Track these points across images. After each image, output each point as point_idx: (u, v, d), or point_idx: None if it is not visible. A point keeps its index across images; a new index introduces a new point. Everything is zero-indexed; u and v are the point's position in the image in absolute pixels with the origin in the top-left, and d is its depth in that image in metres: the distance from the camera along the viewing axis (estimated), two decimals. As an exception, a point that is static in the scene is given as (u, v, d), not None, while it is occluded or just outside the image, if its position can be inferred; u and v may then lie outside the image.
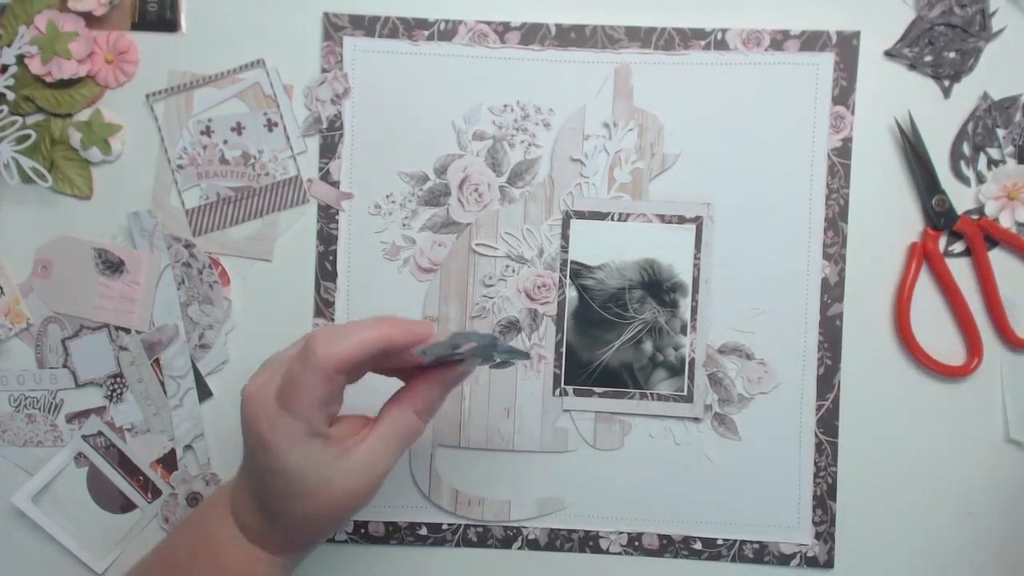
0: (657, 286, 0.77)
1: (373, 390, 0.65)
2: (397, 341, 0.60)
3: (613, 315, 0.77)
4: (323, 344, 0.59)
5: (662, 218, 0.77)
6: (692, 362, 0.77)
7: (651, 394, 0.77)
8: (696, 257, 0.77)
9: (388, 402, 0.65)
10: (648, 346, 0.77)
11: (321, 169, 0.78)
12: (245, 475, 0.64)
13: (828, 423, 0.77)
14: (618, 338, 0.77)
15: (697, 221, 0.77)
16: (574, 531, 0.78)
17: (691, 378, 0.77)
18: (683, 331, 0.77)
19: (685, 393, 0.77)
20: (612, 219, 0.77)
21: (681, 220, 0.77)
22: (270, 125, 0.78)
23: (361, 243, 0.78)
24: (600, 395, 0.77)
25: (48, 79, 0.76)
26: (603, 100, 0.77)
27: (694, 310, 0.77)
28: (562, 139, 0.77)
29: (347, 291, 0.78)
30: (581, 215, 0.77)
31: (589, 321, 0.77)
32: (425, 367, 0.64)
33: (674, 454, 0.78)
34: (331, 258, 0.78)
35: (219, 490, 0.67)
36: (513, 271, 0.77)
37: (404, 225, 0.78)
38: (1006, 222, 0.77)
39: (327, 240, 0.78)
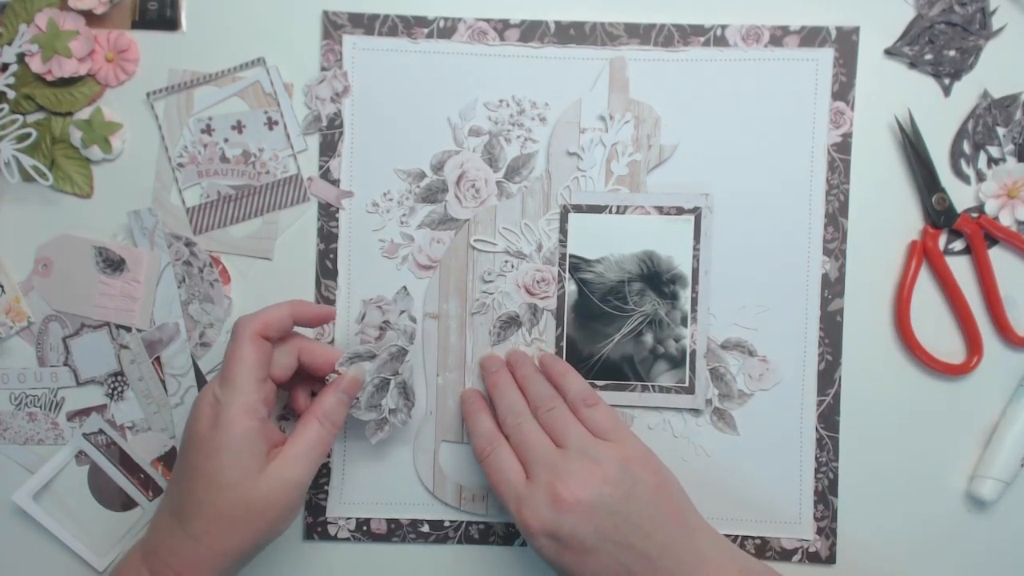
0: (656, 278, 0.77)
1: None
2: (305, 312, 0.72)
3: (613, 308, 0.77)
4: (245, 318, 0.69)
5: (660, 210, 0.77)
6: (693, 354, 0.77)
7: (653, 386, 0.77)
8: (695, 248, 0.77)
9: (299, 419, 0.72)
10: (648, 338, 0.77)
11: (321, 167, 0.78)
12: (168, 501, 0.69)
13: (829, 419, 0.77)
14: (618, 331, 0.77)
15: (696, 212, 0.76)
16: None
17: (692, 369, 0.77)
18: (683, 323, 0.77)
19: (687, 385, 0.77)
20: (610, 212, 0.77)
21: (679, 211, 0.77)
22: (270, 123, 0.78)
23: (360, 241, 0.78)
24: (601, 388, 0.77)
25: (48, 77, 0.76)
26: (599, 93, 0.77)
27: (694, 301, 0.77)
28: (558, 133, 0.77)
29: (348, 289, 0.78)
30: (579, 209, 0.77)
31: (589, 315, 0.77)
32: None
33: (672, 446, 0.77)
34: (331, 256, 0.78)
35: (129, 551, 0.71)
36: (512, 266, 0.77)
37: (402, 222, 0.78)
38: (1006, 220, 0.77)
39: (327, 238, 0.78)
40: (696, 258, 0.77)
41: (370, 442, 0.74)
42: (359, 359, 0.72)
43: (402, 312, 0.74)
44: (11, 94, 0.76)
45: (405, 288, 0.76)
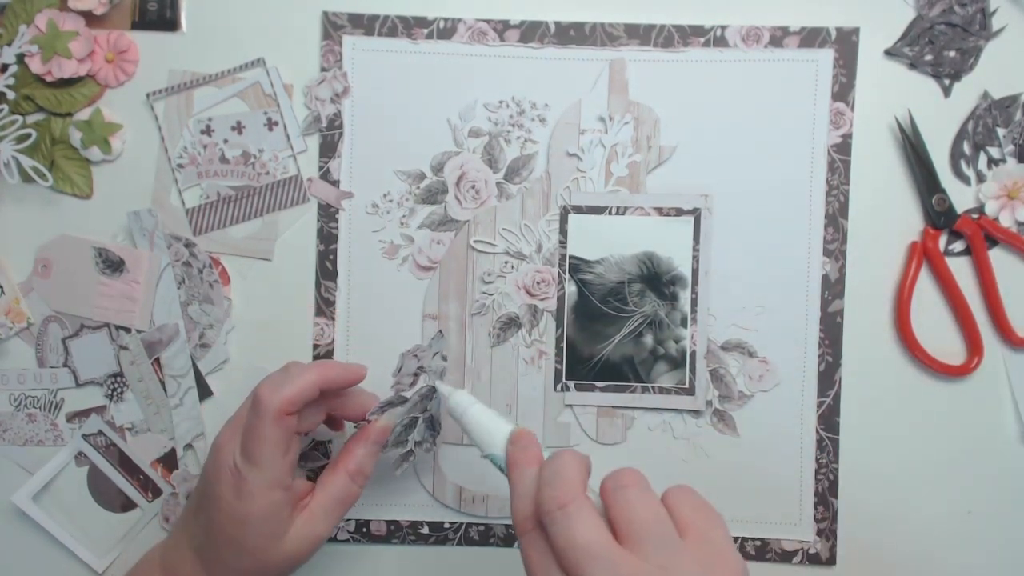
0: (656, 279, 0.76)
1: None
2: (334, 378, 0.69)
3: (613, 309, 0.77)
4: (268, 390, 0.66)
5: (660, 211, 0.77)
6: (693, 355, 0.77)
7: (653, 387, 0.77)
8: (695, 249, 0.77)
9: (325, 469, 0.72)
10: (649, 339, 0.77)
11: (321, 168, 0.78)
12: (189, 530, 0.69)
13: (829, 420, 0.77)
14: (618, 332, 0.77)
15: (695, 213, 0.76)
16: (575, 529, 0.78)
17: (692, 371, 0.77)
18: (683, 324, 0.77)
19: (687, 386, 0.77)
20: (610, 213, 0.77)
21: (679, 212, 0.77)
22: (270, 124, 0.78)
23: (360, 242, 0.78)
24: (602, 389, 0.77)
25: (48, 78, 0.76)
26: (598, 94, 0.77)
27: (694, 302, 0.77)
28: (558, 134, 0.77)
29: (347, 290, 0.78)
30: (579, 210, 0.77)
31: (589, 316, 0.77)
32: None
33: (672, 448, 0.77)
34: (331, 257, 0.78)
35: (147, 556, 0.71)
36: (512, 267, 0.77)
37: (402, 224, 0.78)
38: (1006, 221, 0.77)
39: (327, 239, 0.78)
40: (696, 259, 0.77)
41: (394, 474, 0.73)
42: (391, 407, 0.72)
43: (435, 355, 0.74)
44: (11, 95, 0.76)
45: (440, 332, 0.76)
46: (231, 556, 0.66)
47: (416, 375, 0.73)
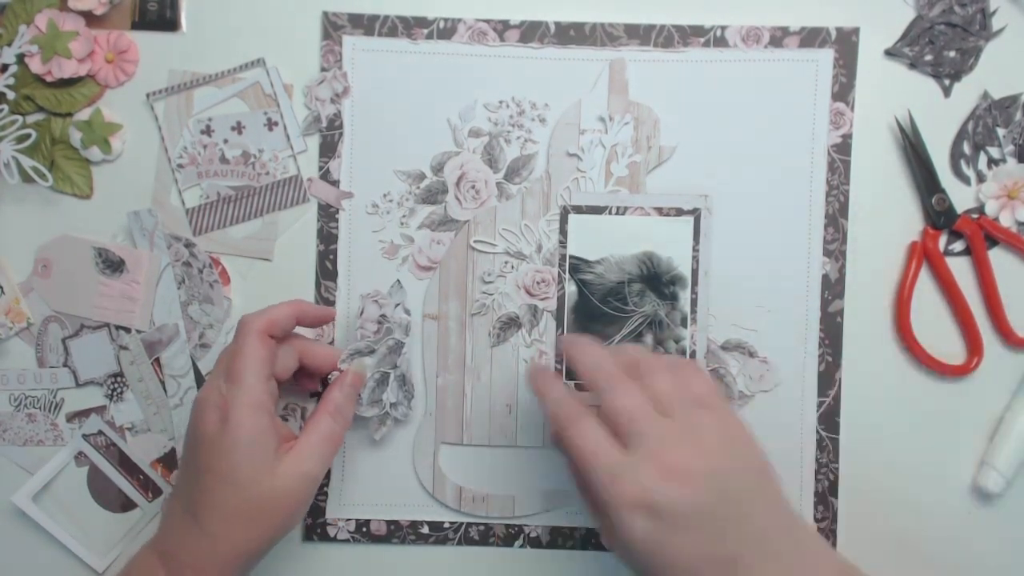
0: (656, 279, 0.76)
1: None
2: (307, 311, 0.73)
3: (613, 309, 0.77)
4: (249, 316, 0.69)
5: (660, 211, 0.77)
6: (693, 355, 0.77)
7: (652, 388, 0.77)
8: (695, 249, 0.77)
9: (308, 416, 0.75)
10: (649, 339, 0.77)
11: (321, 168, 0.78)
12: (180, 499, 0.69)
13: (829, 420, 0.77)
14: (618, 332, 0.77)
15: (695, 213, 0.77)
16: (576, 528, 0.78)
17: (693, 370, 0.77)
18: (683, 324, 0.77)
19: (687, 386, 0.77)
20: (610, 213, 0.77)
21: (679, 212, 0.77)
22: (270, 124, 0.78)
23: (360, 242, 0.78)
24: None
25: (48, 78, 0.76)
26: (598, 94, 0.77)
27: (694, 303, 0.77)
28: (558, 134, 0.77)
29: (347, 290, 0.78)
30: (579, 210, 0.77)
31: (589, 316, 0.77)
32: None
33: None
34: (331, 257, 0.78)
35: (139, 555, 0.70)
36: (512, 267, 0.77)
37: (402, 224, 0.78)
38: (1006, 221, 0.77)
39: (327, 239, 0.78)
40: (696, 259, 0.77)
41: (374, 438, 0.76)
42: (359, 355, 0.74)
43: (397, 305, 0.75)
44: (11, 95, 0.76)
45: (399, 282, 0.77)
46: (224, 497, 0.66)
47: (380, 324, 0.75)
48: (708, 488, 0.59)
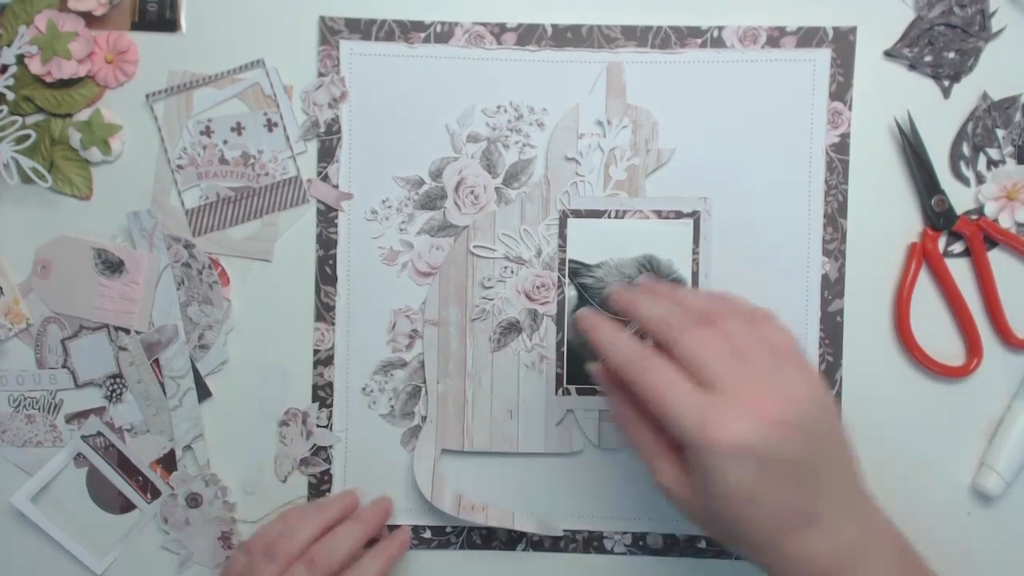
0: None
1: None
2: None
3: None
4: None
5: (659, 214, 0.77)
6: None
7: (653, 391, 0.77)
8: (695, 251, 0.77)
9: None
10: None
11: (320, 173, 0.78)
12: None
13: (828, 421, 0.77)
14: (618, 335, 0.77)
15: (694, 216, 0.76)
16: (578, 532, 0.78)
17: (693, 372, 0.77)
18: (684, 326, 0.77)
19: (687, 388, 0.77)
20: (609, 217, 0.77)
21: (678, 215, 0.77)
22: (270, 125, 0.78)
23: (360, 248, 0.78)
24: (603, 393, 0.77)
25: (48, 79, 0.76)
26: (596, 98, 0.77)
27: (694, 304, 0.77)
28: (556, 138, 0.77)
29: (347, 295, 0.78)
30: (578, 214, 0.77)
31: (589, 319, 0.77)
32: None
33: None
34: (331, 262, 0.78)
35: None
36: (512, 272, 0.77)
37: (401, 229, 0.78)
38: (1005, 222, 0.77)
39: (326, 244, 0.78)
40: (696, 261, 0.77)
41: (406, 451, 0.77)
42: (392, 368, 0.74)
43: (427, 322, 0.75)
44: (10, 96, 0.76)
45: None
46: None
47: (412, 338, 0.75)
48: (803, 438, 0.56)
